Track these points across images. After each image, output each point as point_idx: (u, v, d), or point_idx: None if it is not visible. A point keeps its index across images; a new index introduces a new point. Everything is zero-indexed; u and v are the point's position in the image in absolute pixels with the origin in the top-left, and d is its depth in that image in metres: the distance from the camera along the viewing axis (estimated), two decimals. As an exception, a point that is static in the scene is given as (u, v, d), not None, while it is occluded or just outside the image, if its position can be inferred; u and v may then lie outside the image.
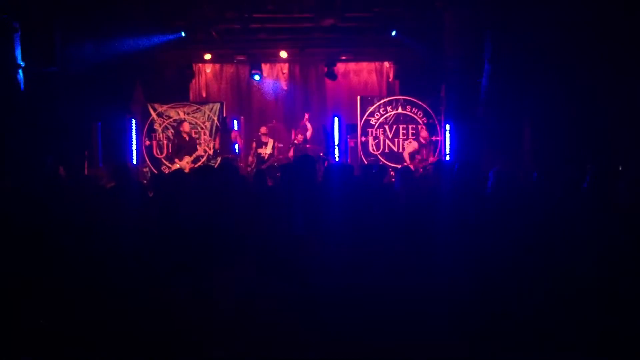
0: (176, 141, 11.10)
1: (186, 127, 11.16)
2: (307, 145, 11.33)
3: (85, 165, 9.33)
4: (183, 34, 10.66)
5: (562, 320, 3.08)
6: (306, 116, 11.65)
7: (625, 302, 3.10)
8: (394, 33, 11.02)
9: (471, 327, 3.10)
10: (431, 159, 10.90)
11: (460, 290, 3.29)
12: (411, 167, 10.54)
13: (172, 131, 11.28)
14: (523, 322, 3.09)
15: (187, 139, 11.08)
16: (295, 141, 11.30)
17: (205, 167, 5.85)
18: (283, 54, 12.48)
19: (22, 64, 7.82)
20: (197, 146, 11.19)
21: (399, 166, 10.25)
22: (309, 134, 11.39)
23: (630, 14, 7.31)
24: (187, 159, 10.90)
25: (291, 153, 11.26)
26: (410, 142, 11.15)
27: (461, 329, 3.08)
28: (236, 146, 11.65)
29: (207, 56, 12.56)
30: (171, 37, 10.71)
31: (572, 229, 3.60)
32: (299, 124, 11.73)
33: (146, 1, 9.01)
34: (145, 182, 10.36)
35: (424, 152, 11.03)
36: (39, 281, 3.21)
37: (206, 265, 3.28)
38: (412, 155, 10.70)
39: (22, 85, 7.84)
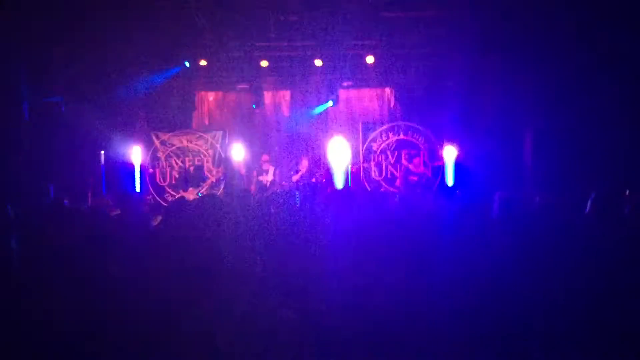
0: (182, 173, 11.13)
1: (196, 160, 11.21)
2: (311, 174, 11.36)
3: (89, 194, 9.36)
4: (187, 64, 10.74)
5: (567, 344, 3.07)
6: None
7: (628, 328, 3.10)
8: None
9: (473, 345, 3.10)
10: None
11: (465, 313, 3.29)
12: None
13: (176, 159, 11.34)
14: (526, 340, 3.09)
15: (192, 170, 11.10)
16: (299, 168, 11.35)
17: (211, 196, 5.87)
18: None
19: (26, 94, 7.91)
20: (203, 175, 11.22)
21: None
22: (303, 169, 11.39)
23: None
24: (193, 190, 10.91)
25: (296, 177, 11.30)
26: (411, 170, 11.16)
27: (464, 348, 3.08)
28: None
29: (209, 85, 12.69)
30: (175, 68, 10.80)
31: (576, 252, 3.60)
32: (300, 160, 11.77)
33: (149, 31, 9.11)
34: (147, 209, 10.38)
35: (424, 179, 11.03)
36: (42, 310, 3.20)
37: (211, 294, 3.27)
38: (414, 182, 10.75)
39: (26, 115, 7.91)
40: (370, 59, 11.19)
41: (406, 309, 3.24)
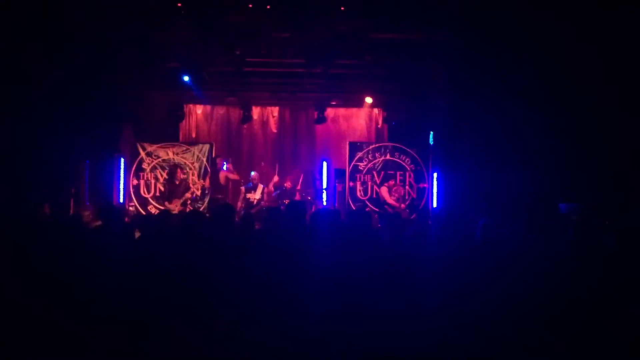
0: (168, 186, 11.02)
1: (182, 173, 11.13)
2: (297, 188, 11.34)
3: (71, 204, 9.26)
4: (186, 78, 10.68)
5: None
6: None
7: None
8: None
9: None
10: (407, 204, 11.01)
11: (446, 338, 3.27)
12: (396, 206, 10.67)
13: (161, 171, 11.28)
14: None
15: (177, 183, 11.01)
16: (284, 186, 11.34)
17: (194, 213, 5.83)
18: (369, 100, 12.49)
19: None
20: (188, 188, 11.15)
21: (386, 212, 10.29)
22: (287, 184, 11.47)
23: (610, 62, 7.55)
24: (177, 202, 10.84)
25: (274, 196, 11.33)
26: (396, 188, 11.22)
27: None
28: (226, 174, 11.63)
29: (197, 98, 12.66)
30: (164, 78, 10.74)
31: (556, 280, 3.61)
32: (287, 175, 11.83)
33: (141, 42, 9.09)
34: (128, 220, 10.28)
35: (408, 196, 11.13)
36: (20, 320, 3.15)
37: (188, 309, 3.23)
38: (397, 200, 10.85)
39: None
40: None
41: (387, 333, 3.22)
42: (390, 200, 11.04)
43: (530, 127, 8.80)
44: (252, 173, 11.43)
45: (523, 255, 3.93)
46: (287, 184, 11.44)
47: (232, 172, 12.05)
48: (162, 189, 11.17)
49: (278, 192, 11.38)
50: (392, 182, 11.21)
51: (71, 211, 9.01)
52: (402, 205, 10.93)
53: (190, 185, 11.23)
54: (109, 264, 3.78)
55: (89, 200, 9.94)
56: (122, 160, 11.26)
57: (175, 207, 10.73)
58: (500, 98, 8.82)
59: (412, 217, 10.19)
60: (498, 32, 8.10)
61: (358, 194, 11.29)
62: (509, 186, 9.26)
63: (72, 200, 9.39)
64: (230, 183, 12.12)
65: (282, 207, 9.85)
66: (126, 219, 10.08)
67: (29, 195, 7.69)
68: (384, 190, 11.19)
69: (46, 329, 3.06)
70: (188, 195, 11.02)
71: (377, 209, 10.87)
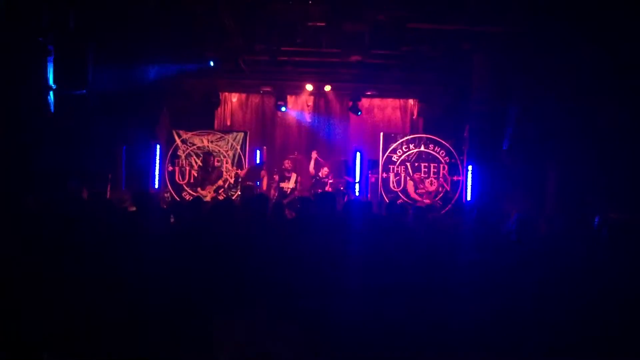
0: (201, 173, 11.18)
1: (215, 161, 11.29)
2: (330, 180, 11.30)
3: (108, 188, 9.41)
4: (212, 63, 10.78)
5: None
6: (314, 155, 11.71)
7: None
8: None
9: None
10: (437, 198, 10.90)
11: (479, 332, 3.25)
12: (418, 200, 10.63)
13: (195, 158, 11.41)
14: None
15: (211, 170, 11.16)
16: (319, 174, 11.29)
17: (227, 202, 5.88)
18: (309, 87, 12.63)
19: (54, 86, 7.98)
20: (221, 175, 11.28)
21: (418, 204, 10.21)
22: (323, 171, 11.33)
23: None
24: (210, 188, 11.01)
25: (307, 186, 11.30)
26: (431, 180, 11.14)
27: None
28: (263, 182, 11.56)
29: (233, 86, 12.75)
30: (200, 65, 10.82)
31: (592, 277, 3.54)
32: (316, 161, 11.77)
33: (178, 31, 9.16)
34: (165, 207, 10.41)
35: (441, 189, 11.05)
36: (55, 300, 3.22)
37: (218, 300, 3.26)
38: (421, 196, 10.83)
39: (52, 107, 7.98)
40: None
41: (422, 327, 3.20)
42: (413, 195, 10.97)
43: (572, 122, 8.59)
44: (286, 162, 11.44)
45: (559, 253, 3.86)
46: (323, 172, 11.42)
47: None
48: (196, 175, 11.32)
49: (313, 181, 11.39)
50: (417, 175, 11.09)
51: (108, 196, 9.15)
52: (427, 201, 10.80)
53: (224, 172, 11.34)
54: (143, 248, 3.84)
55: (125, 186, 10.10)
56: (158, 147, 11.41)
57: (207, 193, 10.87)
58: (543, 93, 8.62)
59: (442, 211, 10.06)
60: (544, 23, 7.90)
61: (391, 185, 11.22)
62: (547, 182, 9.09)
63: (109, 186, 9.53)
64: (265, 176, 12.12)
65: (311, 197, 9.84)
66: (164, 206, 10.23)
67: (68, 180, 7.83)
68: (410, 185, 11.11)
69: (82, 310, 3.12)
70: (220, 182, 11.15)
71: (409, 201, 10.80)
